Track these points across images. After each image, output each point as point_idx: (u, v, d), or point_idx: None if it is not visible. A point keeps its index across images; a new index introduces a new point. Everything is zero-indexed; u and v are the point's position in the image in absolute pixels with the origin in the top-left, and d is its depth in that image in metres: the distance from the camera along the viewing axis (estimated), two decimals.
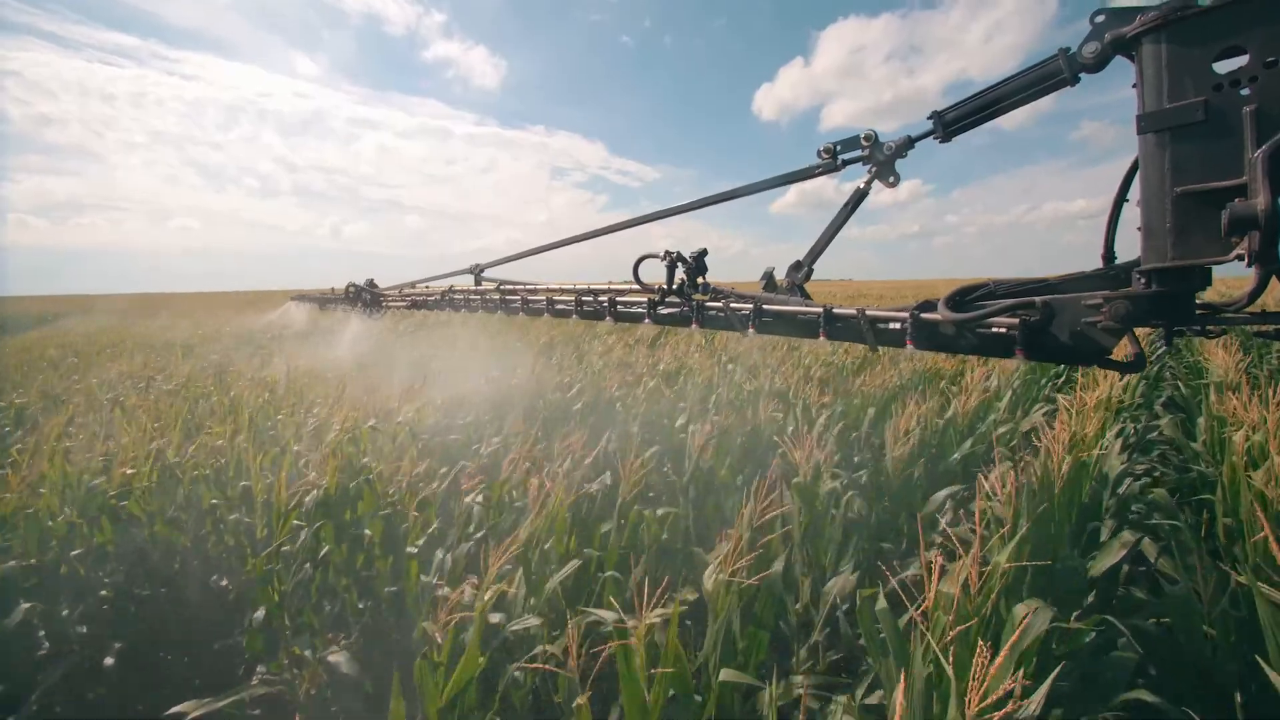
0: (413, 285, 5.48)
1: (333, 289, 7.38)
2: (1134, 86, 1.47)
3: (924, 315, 1.81)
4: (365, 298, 6.25)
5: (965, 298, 1.76)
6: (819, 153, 2.09)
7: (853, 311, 1.98)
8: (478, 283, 4.27)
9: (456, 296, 4.43)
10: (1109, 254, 1.72)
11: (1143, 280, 1.47)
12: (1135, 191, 1.53)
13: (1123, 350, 1.70)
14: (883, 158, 1.98)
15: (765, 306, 2.24)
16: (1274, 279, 1.34)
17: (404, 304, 5.61)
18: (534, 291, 3.67)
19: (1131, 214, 1.56)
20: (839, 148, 2.06)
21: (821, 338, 2.06)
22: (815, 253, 2.19)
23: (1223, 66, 1.34)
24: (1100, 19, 1.52)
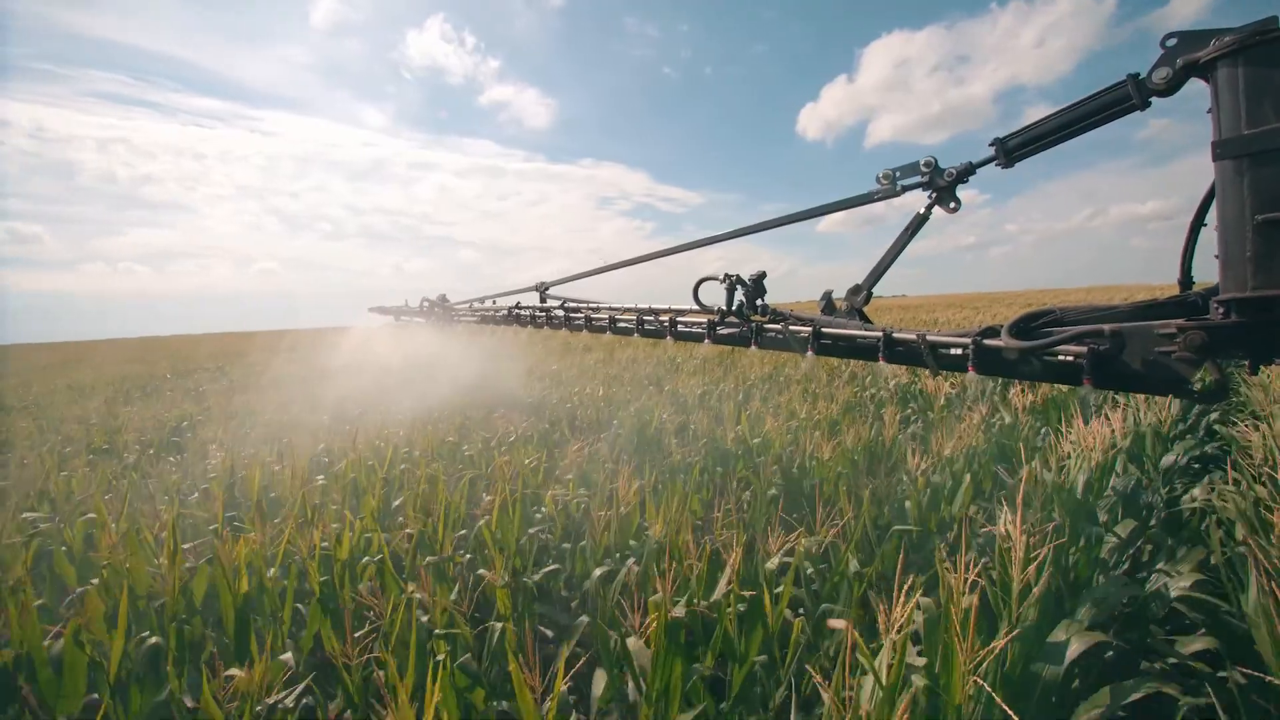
0: (481, 301, 5.78)
1: (405, 302, 7.89)
2: (1209, 112, 1.44)
3: (987, 341, 1.80)
4: (438, 311, 6.63)
5: (1030, 324, 1.75)
6: (878, 178, 2.11)
7: (913, 336, 1.99)
8: (543, 300, 4.47)
9: (523, 313, 4.65)
10: (1185, 279, 1.67)
11: (1221, 309, 1.43)
12: (1212, 216, 1.50)
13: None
14: (942, 183, 1.98)
15: (824, 329, 2.28)
16: None
17: (474, 319, 5.91)
18: (597, 310, 3.81)
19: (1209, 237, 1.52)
20: (898, 174, 2.07)
21: (881, 362, 2.08)
22: (874, 276, 2.20)
23: None
24: (1172, 43, 1.50)
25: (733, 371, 9.14)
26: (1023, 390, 5.60)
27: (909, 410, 6.28)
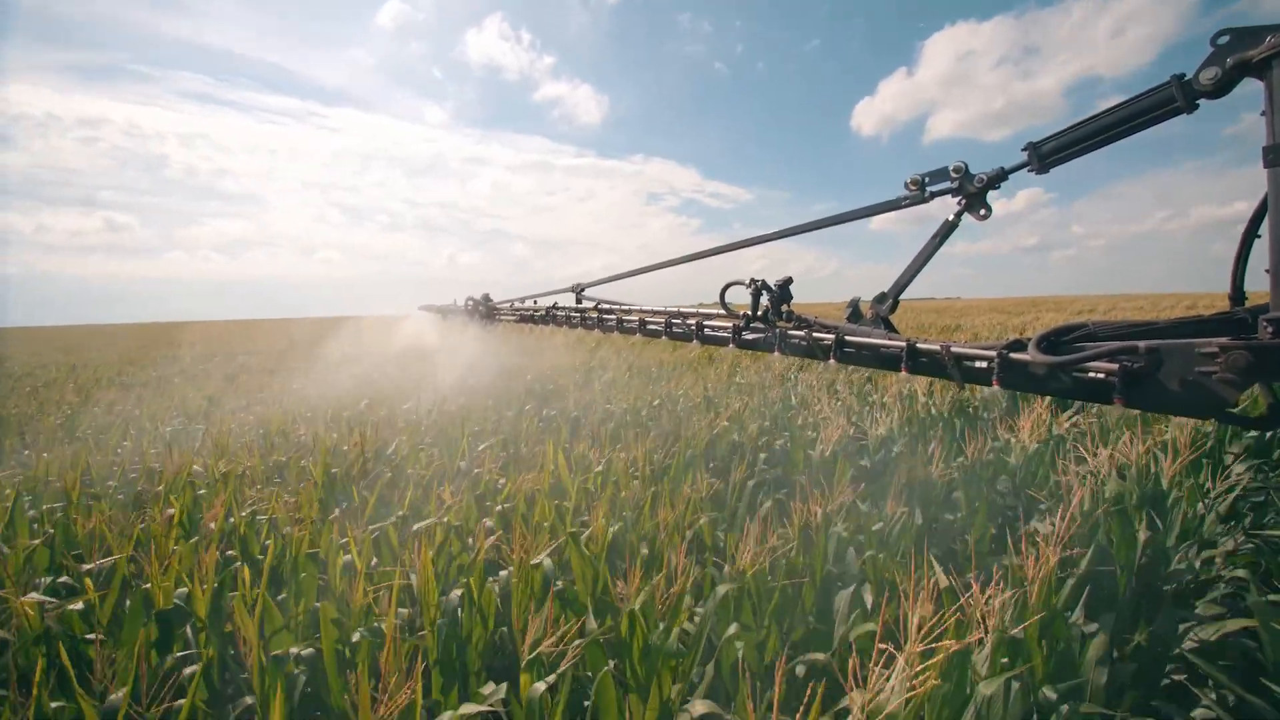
0: (521, 301, 5.91)
1: (454, 301, 8.16)
2: (1262, 114, 1.33)
3: (1013, 355, 1.72)
4: (481, 310, 6.82)
5: (1060, 338, 1.66)
6: (906, 184, 2.05)
7: (936, 347, 1.92)
8: (579, 301, 4.53)
9: (559, 313, 4.73)
10: (1237, 294, 1.55)
11: (1270, 329, 1.32)
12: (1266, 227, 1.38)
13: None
14: (973, 189, 1.91)
15: (847, 338, 2.23)
16: None
17: (514, 318, 6.05)
18: (628, 312, 3.84)
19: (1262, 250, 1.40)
20: (927, 179, 2.01)
21: (903, 372, 2.02)
22: (901, 285, 2.14)
23: None
24: (1224, 40, 1.39)
25: (671, 385, 8.35)
26: (946, 448, 4.29)
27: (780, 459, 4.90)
